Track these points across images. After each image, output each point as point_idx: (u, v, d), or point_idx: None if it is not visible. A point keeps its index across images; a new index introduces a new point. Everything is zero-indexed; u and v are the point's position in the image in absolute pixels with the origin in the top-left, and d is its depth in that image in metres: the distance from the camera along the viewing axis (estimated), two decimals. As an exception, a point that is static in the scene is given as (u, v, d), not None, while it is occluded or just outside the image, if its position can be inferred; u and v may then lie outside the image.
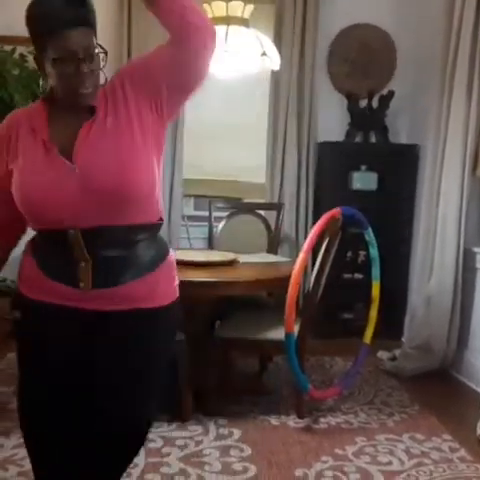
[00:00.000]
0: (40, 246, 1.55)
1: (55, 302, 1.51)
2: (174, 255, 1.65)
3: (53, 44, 1.39)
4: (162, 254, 1.58)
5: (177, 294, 1.62)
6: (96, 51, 1.43)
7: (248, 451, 2.59)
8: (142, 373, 1.57)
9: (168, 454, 2.54)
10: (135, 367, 1.55)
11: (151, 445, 2.57)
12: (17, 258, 1.63)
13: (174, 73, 1.48)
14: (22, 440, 2.44)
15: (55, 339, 1.54)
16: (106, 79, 1.52)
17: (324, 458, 2.57)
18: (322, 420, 2.94)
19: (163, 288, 1.58)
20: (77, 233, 1.44)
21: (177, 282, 1.63)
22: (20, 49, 3.83)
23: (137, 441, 1.66)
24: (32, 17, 1.44)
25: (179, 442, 2.65)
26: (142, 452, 2.53)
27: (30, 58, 3.83)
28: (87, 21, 1.42)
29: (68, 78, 1.41)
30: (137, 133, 1.47)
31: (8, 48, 3.86)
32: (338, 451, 2.64)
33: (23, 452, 2.48)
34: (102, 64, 1.46)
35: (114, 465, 1.64)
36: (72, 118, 1.47)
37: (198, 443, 2.65)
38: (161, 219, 1.58)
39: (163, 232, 1.62)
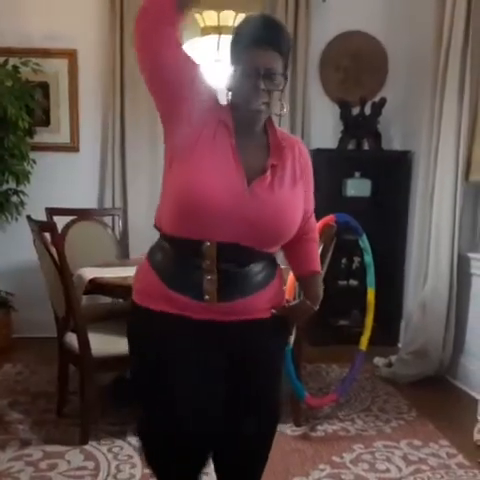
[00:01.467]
0: (163, 256, 1.56)
1: (177, 313, 1.52)
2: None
3: (243, 59, 1.49)
4: (274, 273, 1.64)
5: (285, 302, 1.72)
6: (279, 75, 1.50)
7: (245, 460, 2.58)
8: (274, 377, 1.72)
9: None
10: (268, 372, 1.68)
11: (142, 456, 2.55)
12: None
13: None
14: (18, 453, 2.43)
15: (180, 351, 1.54)
16: (282, 111, 1.61)
17: (322, 466, 2.56)
18: (319, 428, 2.94)
19: (275, 300, 1.65)
20: (213, 246, 1.47)
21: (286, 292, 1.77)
22: (13, 61, 3.85)
23: (268, 445, 1.80)
24: (235, 34, 1.55)
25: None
26: (139, 463, 2.52)
27: (23, 69, 3.86)
28: (277, 46, 1.50)
29: (246, 91, 1.49)
30: (299, 188, 1.60)
31: (1, 60, 3.87)
32: (336, 459, 2.63)
33: (19, 465, 2.48)
34: (281, 90, 1.53)
35: (257, 466, 1.82)
36: (253, 140, 1.56)
37: (195, 453, 2.64)
38: None
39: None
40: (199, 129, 1.50)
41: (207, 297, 1.51)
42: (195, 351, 1.53)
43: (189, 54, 1.51)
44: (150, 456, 1.67)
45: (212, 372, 1.55)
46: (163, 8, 1.41)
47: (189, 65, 1.49)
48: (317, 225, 2.77)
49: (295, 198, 1.58)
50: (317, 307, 1.74)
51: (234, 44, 1.54)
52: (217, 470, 1.79)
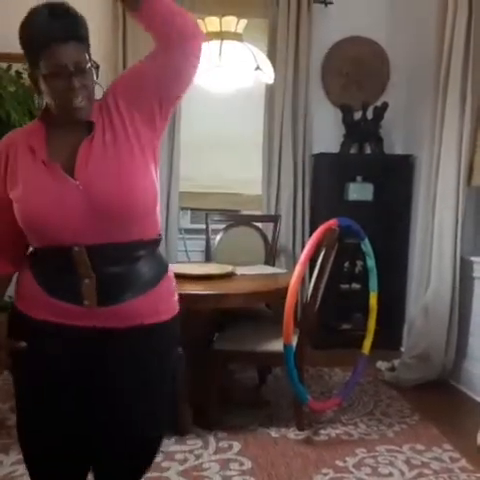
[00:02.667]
0: (40, 263, 1.52)
1: (57, 321, 1.48)
2: (173, 269, 1.65)
3: (43, 60, 1.38)
4: (162, 270, 1.58)
5: (177, 308, 1.62)
6: (88, 65, 1.42)
7: (248, 464, 2.58)
8: (151, 389, 1.55)
9: (168, 469, 2.52)
10: (143, 383, 1.53)
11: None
12: (15, 275, 1.61)
13: (164, 83, 1.48)
14: (20, 456, 2.44)
15: (58, 358, 1.50)
16: (103, 93, 1.52)
17: (325, 470, 2.56)
18: (322, 432, 2.94)
19: (165, 303, 1.57)
20: (82, 250, 1.42)
21: (177, 296, 1.63)
22: (16, 66, 3.86)
23: (147, 459, 1.65)
24: (22, 35, 1.44)
25: (178, 456, 2.64)
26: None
27: (26, 75, 3.86)
28: (77, 35, 1.41)
29: (60, 93, 1.40)
30: (136, 148, 1.46)
31: (4, 65, 3.89)
32: (338, 463, 2.63)
33: (22, 469, 2.47)
34: (94, 78, 1.46)
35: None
36: (70, 135, 1.46)
37: (198, 457, 2.64)
38: (160, 234, 1.58)
39: (160, 246, 1.62)
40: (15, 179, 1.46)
41: (86, 302, 1.45)
42: (70, 360, 1.49)
43: None
44: (29, 463, 1.63)
45: (84, 383, 1.50)
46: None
47: None
48: (319, 229, 2.81)
49: (135, 160, 1.45)
50: None
51: (27, 45, 1.42)
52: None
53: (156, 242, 1.57)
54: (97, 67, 1.46)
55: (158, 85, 1.48)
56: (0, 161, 1.50)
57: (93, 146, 1.44)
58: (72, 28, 1.40)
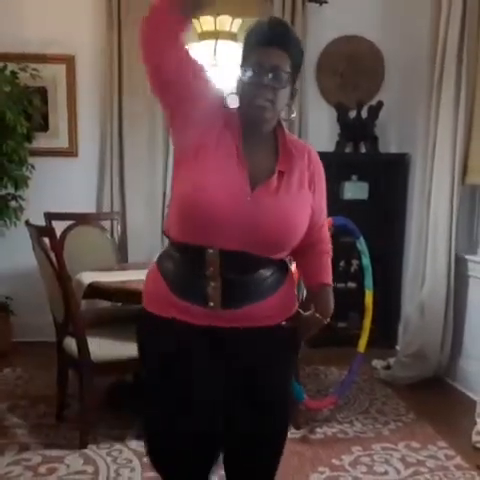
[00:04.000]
0: (170, 262, 1.56)
1: (182, 319, 1.52)
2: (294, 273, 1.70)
3: (250, 57, 1.50)
4: (284, 280, 1.61)
5: (294, 310, 1.65)
6: (285, 76, 1.49)
7: (244, 463, 2.59)
8: (279, 389, 1.64)
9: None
10: (272, 383, 1.60)
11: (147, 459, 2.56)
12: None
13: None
14: (17, 457, 2.44)
15: (186, 355, 1.53)
16: (291, 117, 1.62)
17: (321, 469, 2.57)
18: (318, 430, 2.95)
19: (286, 307, 1.61)
20: (216, 253, 1.46)
21: (297, 298, 1.69)
22: (11, 66, 3.86)
23: (280, 452, 1.70)
24: (245, 37, 1.55)
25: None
26: (138, 467, 2.53)
27: (21, 75, 3.88)
28: (284, 45, 1.50)
29: (248, 85, 1.49)
30: (304, 194, 1.57)
31: (-1, 65, 3.89)
32: (335, 461, 2.64)
33: (18, 469, 2.49)
34: (288, 91, 1.52)
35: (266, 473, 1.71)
36: (262, 148, 1.54)
37: (194, 456, 2.64)
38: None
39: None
40: (203, 132, 1.50)
41: (211, 304, 1.50)
42: (197, 358, 1.53)
43: (195, 57, 1.51)
44: (155, 460, 1.66)
45: (213, 380, 1.53)
46: (164, 16, 1.41)
47: (194, 67, 1.49)
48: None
49: (301, 205, 1.55)
50: (327, 320, 1.71)
51: (244, 46, 1.55)
52: (227, 474, 1.76)
53: (283, 261, 1.62)
54: (294, 80, 1.53)
55: None
56: (208, 95, 1.53)
57: (283, 181, 1.52)
58: (282, 38, 1.50)
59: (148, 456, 1.65)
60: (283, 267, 1.62)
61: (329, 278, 1.74)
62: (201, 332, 1.52)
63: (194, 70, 1.49)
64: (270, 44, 1.49)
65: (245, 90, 1.51)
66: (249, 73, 1.49)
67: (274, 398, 1.63)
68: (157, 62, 1.45)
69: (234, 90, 1.56)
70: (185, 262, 1.53)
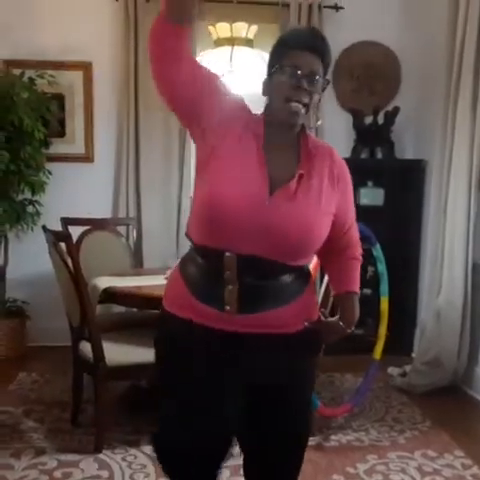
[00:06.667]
0: (191, 265, 1.56)
1: (200, 322, 1.52)
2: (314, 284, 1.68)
3: (286, 58, 1.49)
4: (305, 283, 1.59)
5: (316, 318, 1.63)
6: (319, 80, 1.50)
7: (259, 470, 2.58)
8: (299, 397, 1.62)
9: (178, 474, 2.52)
10: (290, 390, 1.58)
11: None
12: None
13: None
14: (33, 461, 2.45)
15: (198, 361, 1.53)
16: (316, 125, 1.61)
17: (335, 477, 2.55)
18: (333, 438, 2.93)
19: (304, 314, 1.59)
20: (233, 257, 1.45)
21: (317, 306, 1.67)
22: (29, 73, 3.91)
23: (301, 456, 1.69)
24: (279, 40, 1.56)
25: (189, 461, 2.64)
26: (152, 473, 2.53)
27: (39, 82, 3.92)
28: (321, 53, 1.51)
29: (285, 87, 1.48)
30: (323, 200, 1.52)
31: (17, 72, 3.93)
32: (349, 469, 2.62)
33: (33, 474, 2.50)
34: (320, 98, 1.53)
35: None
36: (283, 149, 1.53)
37: (208, 462, 2.64)
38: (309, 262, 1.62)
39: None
40: (224, 135, 1.49)
41: (228, 308, 1.49)
42: (212, 362, 1.52)
43: (205, 66, 1.50)
44: (165, 466, 1.66)
45: (226, 387, 1.53)
46: (160, 26, 1.42)
47: (206, 77, 1.48)
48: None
49: (321, 209, 1.51)
50: (351, 330, 1.67)
51: (277, 49, 1.54)
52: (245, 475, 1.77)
53: (306, 267, 1.60)
54: (324, 87, 1.55)
55: None
56: (224, 109, 1.51)
57: (301, 183, 1.49)
58: (319, 46, 1.51)
59: (157, 456, 1.65)
60: (304, 274, 1.59)
61: (356, 286, 1.70)
62: (216, 336, 1.51)
63: (208, 80, 1.48)
64: (309, 49, 1.49)
65: (280, 91, 1.49)
66: (285, 75, 1.48)
67: (295, 406, 1.62)
68: (167, 77, 1.45)
69: (263, 93, 1.55)
70: (204, 265, 1.53)
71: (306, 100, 1.48)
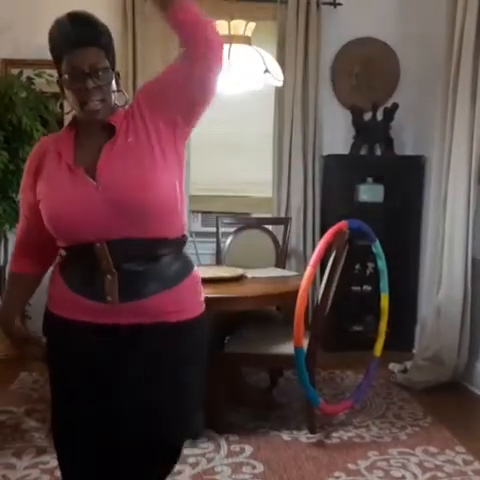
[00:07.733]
0: (68, 263, 1.59)
1: (84, 319, 1.52)
2: (199, 271, 1.67)
3: (64, 64, 1.48)
4: (187, 269, 1.60)
5: (203, 308, 1.64)
6: (103, 66, 1.48)
7: (260, 468, 2.58)
8: (175, 387, 1.57)
9: (180, 472, 2.52)
10: (166, 381, 1.56)
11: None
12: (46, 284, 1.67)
13: (189, 94, 1.51)
14: (34, 460, 2.47)
15: (86, 356, 1.55)
16: (126, 101, 1.59)
17: (337, 473, 2.55)
18: (334, 435, 2.93)
19: (189, 302, 1.59)
20: (103, 245, 1.47)
21: (203, 297, 1.65)
22: (27, 72, 3.90)
23: (170, 457, 1.66)
24: (50, 44, 1.53)
25: (191, 460, 2.64)
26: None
27: (37, 81, 3.90)
28: (96, 42, 1.48)
29: (76, 93, 1.48)
30: (157, 150, 1.51)
31: (15, 71, 3.93)
32: (351, 466, 2.62)
33: (35, 473, 2.50)
34: (113, 81, 1.52)
35: None
36: (95, 139, 1.53)
37: (210, 460, 2.64)
38: (184, 235, 1.61)
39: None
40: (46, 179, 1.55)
41: (109, 298, 1.49)
42: (85, 360, 1.54)
43: None
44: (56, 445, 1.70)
45: (109, 380, 1.54)
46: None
47: None
48: (329, 231, 2.81)
49: (156, 164, 1.49)
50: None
51: (52, 54, 1.52)
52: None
53: (180, 242, 1.60)
54: (113, 69, 1.52)
55: (183, 97, 1.52)
56: (30, 169, 1.59)
57: (115, 148, 1.50)
58: (90, 34, 1.48)
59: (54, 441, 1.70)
60: (184, 259, 1.59)
61: None
62: (101, 331, 1.51)
63: None
64: (80, 43, 1.46)
65: (72, 98, 1.50)
66: (71, 80, 1.48)
67: (171, 398, 1.58)
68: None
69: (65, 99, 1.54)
70: (79, 260, 1.55)
71: (99, 96, 1.49)
